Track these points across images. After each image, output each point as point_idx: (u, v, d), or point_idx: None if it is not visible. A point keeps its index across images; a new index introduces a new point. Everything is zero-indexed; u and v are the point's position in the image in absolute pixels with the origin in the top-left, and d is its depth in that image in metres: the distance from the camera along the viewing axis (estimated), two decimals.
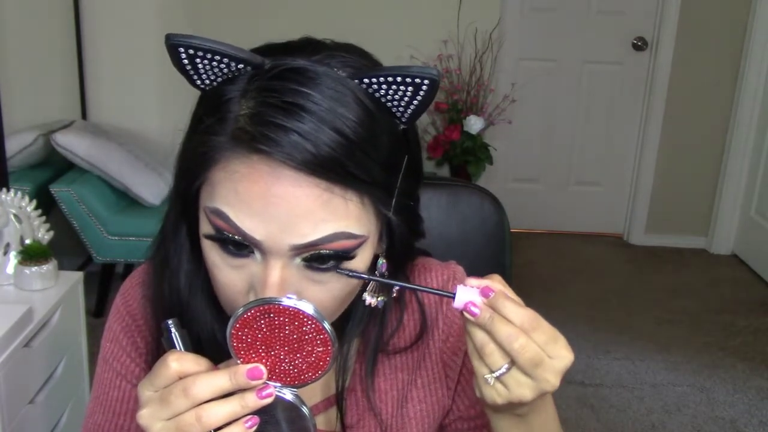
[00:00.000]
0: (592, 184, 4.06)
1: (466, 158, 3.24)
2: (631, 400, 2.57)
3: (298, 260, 0.60)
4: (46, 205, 2.48)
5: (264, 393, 0.57)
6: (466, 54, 3.37)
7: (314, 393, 0.76)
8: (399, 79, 0.57)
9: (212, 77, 0.59)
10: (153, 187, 2.95)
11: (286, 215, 0.56)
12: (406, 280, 0.75)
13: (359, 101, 0.57)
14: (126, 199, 2.95)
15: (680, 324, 3.14)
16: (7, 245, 1.64)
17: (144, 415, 0.58)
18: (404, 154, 0.63)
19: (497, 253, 1.04)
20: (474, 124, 3.23)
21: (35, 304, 1.54)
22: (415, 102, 0.59)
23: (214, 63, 0.58)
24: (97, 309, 2.94)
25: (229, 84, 0.59)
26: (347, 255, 0.60)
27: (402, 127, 0.61)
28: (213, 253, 0.62)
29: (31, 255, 1.62)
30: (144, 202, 2.92)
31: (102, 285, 2.97)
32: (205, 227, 0.62)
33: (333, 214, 0.58)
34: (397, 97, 0.58)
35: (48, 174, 2.89)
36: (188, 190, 0.63)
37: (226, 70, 0.58)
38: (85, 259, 3.06)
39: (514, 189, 3.93)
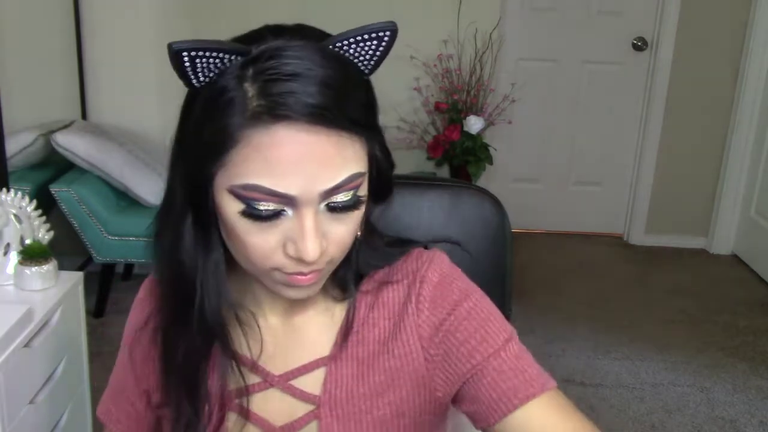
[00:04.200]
0: (592, 184, 4.06)
1: (466, 158, 3.24)
2: (631, 400, 2.57)
3: (322, 206, 0.68)
4: (46, 205, 2.48)
5: None
6: (466, 54, 3.37)
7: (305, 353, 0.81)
8: (365, 36, 0.68)
9: (207, 73, 0.66)
10: (153, 187, 2.95)
11: (312, 167, 0.64)
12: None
13: (337, 60, 0.67)
14: (126, 199, 2.95)
15: (680, 324, 3.14)
16: (8, 245, 1.64)
17: None
18: (374, 97, 0.72)
19: (498, 254, 1.04)
20: (474, 124, 3.23)
21: (35, 304, 1.54)
22: (378, 53, 0.69)
23: (210, 60, 0.65)
24: (97, 309, 2.94)
25: (222, 76, 0.65)
26: (360, 199, 0.70)
27: (367, 75, 0.71)
28: (242, 224, 0.68)
29: (31, 255, 1.62)
30: (144, 202, 2.92)
31: (102, 285, 2.97)
32: (232, 206, 0.67)
33: (346, 157, 0.66)
34: (363, 52, 0.69)
35: (48, 174, 2.89)
36: (199, 177, 0.69)
37: (219, 65, 0.65)
38: (85, 259, 3.06)
39: (514, 189, 3.93)
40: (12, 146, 2.68)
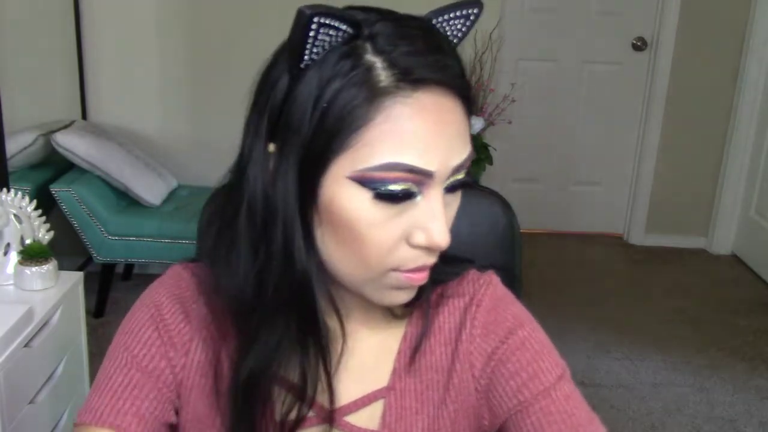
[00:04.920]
0: (592, 184, 4.06)
1: None
2: (631, 400, 2.57)
3: (443, 188, 0.63)
4: (46, 205, 2.48)
5: None
6: (466, 54, 3.36)
7: (354, 388, 0.74)
8: (457, 13, 0.68)
9: (320, 50, 0.60)
10: (153, 187, 2.95)
11: (449, 139, 0.61)
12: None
13: (446, 36, 0.67)
14: (126, 199, 2.95)
15: (680, 324, 3.14)
16: (8, 245, 1.64)
17: None
18: None
19: (507, 255, 1.04)
20: (474, 124, 3.23)
21: (35, 304, 1.54)
22: (464, 29, 0.69)
23: (331, 32, 0.59)
24: (97, 309, 2.94)
25: (333, 52, 0.60)
26: (468, 182, 0.66)
27: None
28: (368, 215, 0.61)
29: (31, 255, 1.62)
30: (144, 202, 2.93)
31: (102, 285, 2.97)
32: (356, 196, 0.61)
33: (467, 135, 0.64)
34: (454, 29, 0.69)
35: (48, 174, 2.89)
36: (312, 171, 0.61)
37: (334, 40, 0.60)
38: (85, 259, 3.06)
39: (514, 189, 3.93)
40: (12, 146, 2.67)
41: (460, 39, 0.69)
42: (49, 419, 1.61)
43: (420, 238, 0.62)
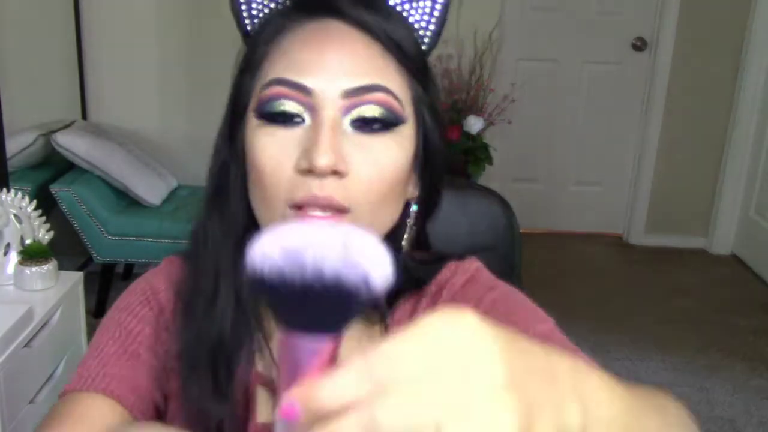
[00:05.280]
0: (592, 184, 4.06)
1: (466, 158, 3.24)
2: None
3: (346, 123, 0.62)
4: (46, 205, 2.48)
5: None
6: (466, 54, 3.37)
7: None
8: None
9: (255, 17, 0.69)
10: (153, 187, 2.95)
11: (338, 61, 0.62)
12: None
13: (396, 13, 0.67)
14: (126, 199, 2.95)
15: (680, 324, 3.14)
16: (8, 245, 1.64)
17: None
18: (430, 77, 0.70)
19: (507, 255, 1.04)
20: (474, 124, 3.23)
21: (35, 304, 1.54)
22: (433, 19, 0.68)
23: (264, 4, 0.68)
24: (97, 309, 2.94)
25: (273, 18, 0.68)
26: (391, 120, 0.63)
27: (427, 48, 0.69)
28: (262, 138, 0.64)
29: (31, 255, 1.62)
30: (144, 202, 2.93)
31: (102, 285, 2.97)
32: (254, 128, 0.65)
33: (376, 66, 0.63)
34: (418, 14, 0.68)
35: (48, 174, 2.89)
36: (237, 114, 0.68)
37: (268, 6, 0.68)
38: (85, 259, 3.05)
39: (514, 189, 3.92)
40: (12, 146, 2.67)
41: (433, 34, 0.69)
42: None
43: (303, 163, 0.61)
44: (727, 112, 3.76)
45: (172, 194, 3.09)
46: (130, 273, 3.30)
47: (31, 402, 1.52)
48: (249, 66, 0.67)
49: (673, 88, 3.75)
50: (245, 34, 0.70)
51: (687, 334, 3.06)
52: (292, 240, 0.34)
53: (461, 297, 0.72)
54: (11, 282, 1.64)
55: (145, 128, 3.28)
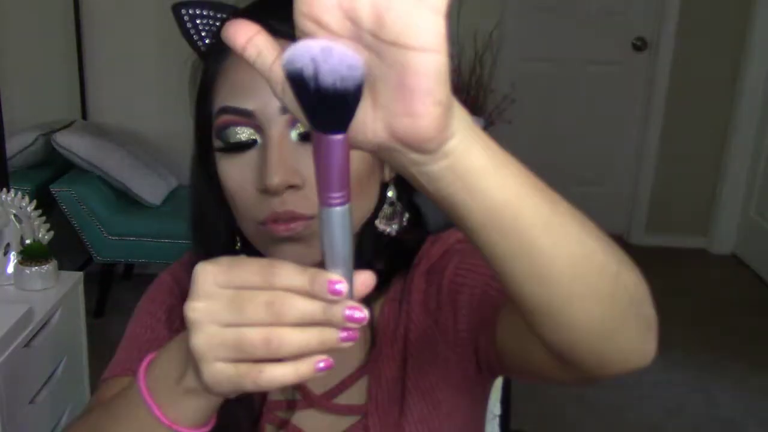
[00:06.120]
0: (592, 184, 4.05)
1: None
2: (631, 400, 2.57)
3: (294, 135, 0.64)
4: (46, 205, 2.47)
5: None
6: (466, 54, 3.37)
7: (343, 368, 0.75)
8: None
9: (205, 37, 0.71)
10: (153, 187, 2.95)
11: None
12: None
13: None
14: (126, 199, 2.95)
15: (680, 324, 3.14)
16: (8, 245, 1.64)
17: (198, 309, 0.45)
18: None
19: None
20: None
21: (35, 304, 1.54)
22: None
23: (209, 20, 0.70)
24: (97, 309, 2.94)
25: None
26: None
27: None
28: (224, 165, 0.67)
29: (31, 255, 1.62)
30: (144, 202, 2.93)
31: (102, 285, 2.97)
32: (219, 158, 0.67)
33: None
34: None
35: (48, 174, 2.89)
36: (204, 140, 0.70)
37: (213, 26, 0.70)
38: (85, 259, 3.05)
39: None
40: (12, 146, 2.67)
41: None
42: (49, 419, 1.61)
43: (259, 184, 0.64)
44: (728, 112, 3.76)
45: (172, 194, 3.09)
46: (130, 273, 3.30)
47: (31, 402, 1.52)
48: (201, 93, 0.69)
49: (674, 88, 3.75)
50: (200, 53, 0.72)
51: (687, 334, 3.06)
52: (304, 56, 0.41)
53: (438, 266, 0.74)
54: (11, 282, 1.64)
55: (145, 128, 3.28)
